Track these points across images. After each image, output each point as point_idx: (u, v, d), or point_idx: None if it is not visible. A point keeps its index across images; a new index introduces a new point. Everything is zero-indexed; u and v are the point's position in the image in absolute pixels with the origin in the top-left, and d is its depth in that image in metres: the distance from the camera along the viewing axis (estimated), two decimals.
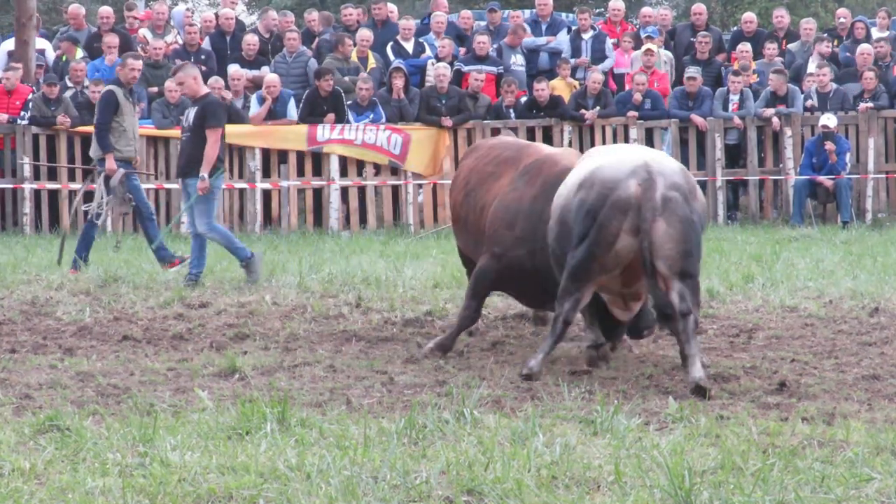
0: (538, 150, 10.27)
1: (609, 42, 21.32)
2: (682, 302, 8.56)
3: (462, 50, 21.24)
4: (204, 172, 13.32)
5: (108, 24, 21.06)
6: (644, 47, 20.78)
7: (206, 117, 13.40)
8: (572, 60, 20.97)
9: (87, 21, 21.97)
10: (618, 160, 8.84)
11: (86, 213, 15.00)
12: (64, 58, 20.62)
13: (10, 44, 20.82)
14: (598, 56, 21.23)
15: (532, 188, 9.78)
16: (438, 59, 20.61)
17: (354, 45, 20.80)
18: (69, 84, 20.09)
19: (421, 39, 21.27)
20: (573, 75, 20.94)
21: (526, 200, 9.74)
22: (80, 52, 20.67)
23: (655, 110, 20.30)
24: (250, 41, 20.77)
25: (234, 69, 20.41)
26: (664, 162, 8.90)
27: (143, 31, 21.15)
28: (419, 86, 20.64)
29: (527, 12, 22.62)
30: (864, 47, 20.82)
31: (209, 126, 13.39)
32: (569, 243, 8.85)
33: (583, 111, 20.19)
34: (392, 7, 21.91)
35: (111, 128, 14.76)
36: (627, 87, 20.64)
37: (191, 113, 13.57)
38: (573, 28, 21.61)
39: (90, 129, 19.33)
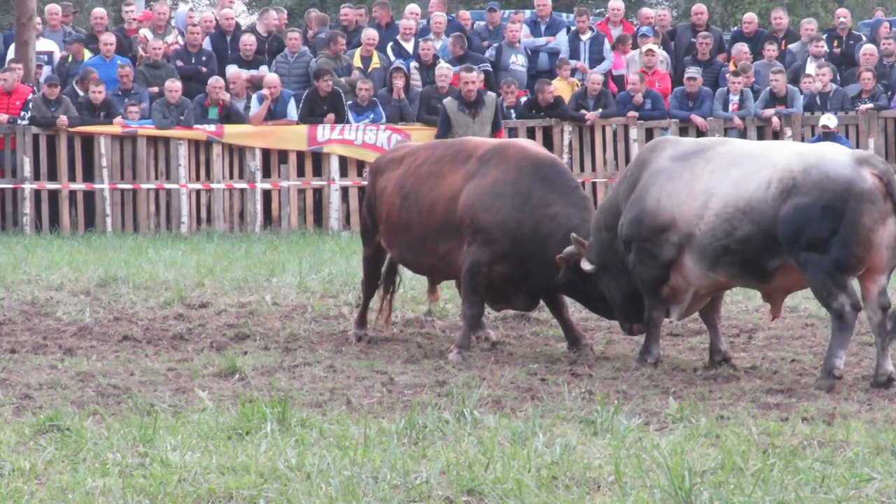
0: (481, 141, 10.66)
1: (607, 43, 21.31)
2: (884, 296, 8.78)
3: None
4: None
5: (102, 25, 21.05)
6: (645, 47, 20.77)
7: None
8: (572, 62, 20.97)
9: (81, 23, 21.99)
10: (824, 155, 8.80)
11: None
12: (70, 58, 20.60)
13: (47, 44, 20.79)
14: (597, 57, 21.22)
15: (506, 172, 10.02)
16: (420, 60, 20.54)
17: (357, 44, 20.80)
18: (76, 86, 19.97)
19: (421, 39, 21.24)
20: (573, 76, 20.93)
21: (504, 184, 9.97)
22: (88, 54, 20.67)
23: (656, 110, 20.29)
24: (247, 41, 20.76)
25: (231, 70, 20.39)
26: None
27: (144, 32, 21.15)
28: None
29: (527, 12, 22.61)
30: (867, 48, 20.79)
31: None
32: (763, 242, 8.80)
33: (583, 111, 20.19)
34: (416, 8, 21.84)
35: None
36: (627, 88, 20.62)
37: None
38: (572, 29, 21.59)
39: (90, 129, 19.52)
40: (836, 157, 8.74)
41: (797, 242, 8.66)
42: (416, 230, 10.35)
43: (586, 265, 9.63)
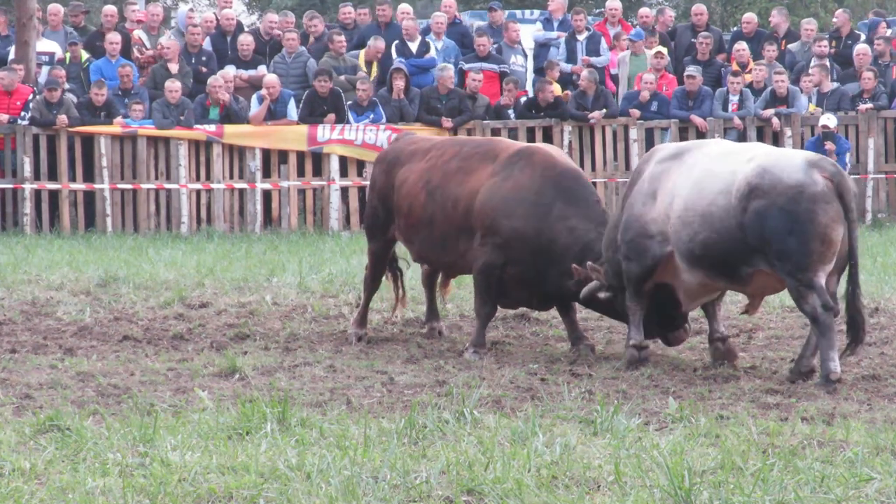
0: (510, 143, 10.67)
1: (604, 42, 21.30)
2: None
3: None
4: None
5: (112, 22, 21.01)
6: (654, 49, 20.74)
7: None
8: (567, 66, 20.96)
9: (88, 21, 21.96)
10: (778, 160, 8.94)
11: None
12: (68, 57, 20.58)
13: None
14: (594, 57, 21.21)
15: (532, 180, 10.02)
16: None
17: (358, 45, 20.80)
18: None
19: (426, 39, 21.22)
20: (565, 81, 20.93)
21: (527, 191, 9.98)
22: (84, 55, 20.64)
23: (658, 113, 20.26)
24: (245, 41, 20.75)
25: (226, 71, 20.37)
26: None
27: (138, 33, 21.12)
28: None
29: (535, 12, 22.59)
30: (860, 48, 20.79)
31: None
32: (726, 248, 8.95)
33: (584, 111, 20.18)
34: (407, 8, 21.83)
35: None
36: (636, 88, 20.58)
37: None
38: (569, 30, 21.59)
39: (90, 129, 19.52)
40: (789, 162, 8.90)
41: (764, 248, 8.83)
42: (438, 226, 10.37)
43: (602, 294, 9.75)
